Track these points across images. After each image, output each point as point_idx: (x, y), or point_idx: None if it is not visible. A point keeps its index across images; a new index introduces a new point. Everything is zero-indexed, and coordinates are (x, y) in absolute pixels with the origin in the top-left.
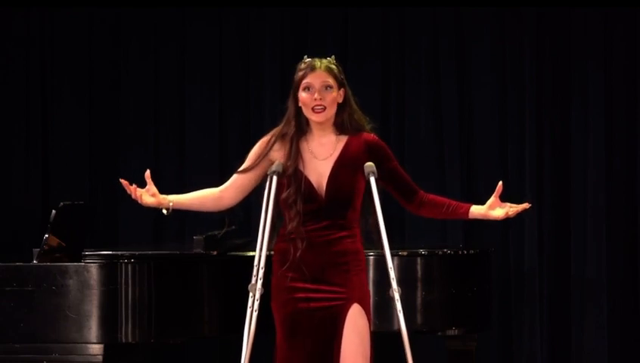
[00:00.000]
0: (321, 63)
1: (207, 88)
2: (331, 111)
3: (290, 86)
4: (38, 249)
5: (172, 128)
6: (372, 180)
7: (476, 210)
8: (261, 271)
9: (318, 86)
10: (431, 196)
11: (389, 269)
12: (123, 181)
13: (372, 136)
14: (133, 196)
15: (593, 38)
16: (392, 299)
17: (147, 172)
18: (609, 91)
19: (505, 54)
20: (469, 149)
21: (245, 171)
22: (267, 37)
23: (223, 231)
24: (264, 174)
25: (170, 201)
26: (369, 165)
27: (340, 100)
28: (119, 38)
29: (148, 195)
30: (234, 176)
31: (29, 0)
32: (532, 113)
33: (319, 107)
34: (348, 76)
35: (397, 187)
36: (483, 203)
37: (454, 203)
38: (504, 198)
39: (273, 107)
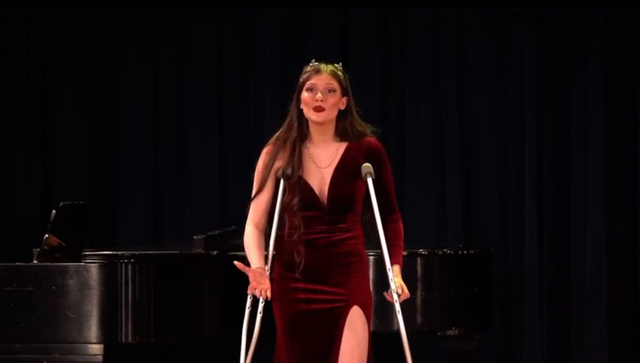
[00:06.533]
0: (326, 67)
1: (207, 88)
2: (331, 114)
3: (290, 87)
4: (38, 249)
5: (172, 128)
6: (369, 181)
7: (391, 272)
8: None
9: (321, 88)
10: (393, 228)
11: (388, 270)
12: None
13: (374, 141)
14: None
15: (593, 38)
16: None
17: (238, 264)
18: (609, 91)
19: (505, 54)
20: (469, 149)
21: (259, 193)
22: (267, 37)
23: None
24: (276, 184)
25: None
26: (367, 166)
27: (342, 107)
28: (119, 38)
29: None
30: (253, 204)
31: (29, 0)
32: (532, 112)
33: (319, 108)
34: (348, 76)
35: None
36: (482, 201)
37: (395, 249)
38: (504, 198)
39: (273, 107)
